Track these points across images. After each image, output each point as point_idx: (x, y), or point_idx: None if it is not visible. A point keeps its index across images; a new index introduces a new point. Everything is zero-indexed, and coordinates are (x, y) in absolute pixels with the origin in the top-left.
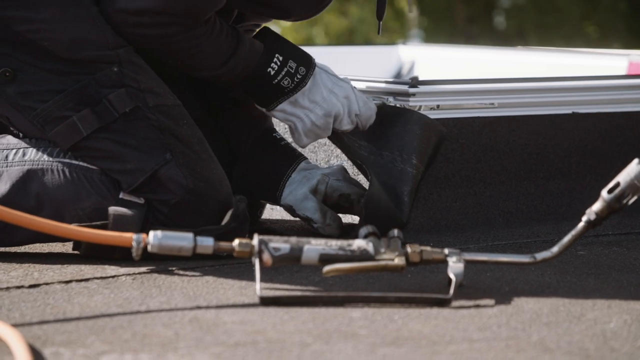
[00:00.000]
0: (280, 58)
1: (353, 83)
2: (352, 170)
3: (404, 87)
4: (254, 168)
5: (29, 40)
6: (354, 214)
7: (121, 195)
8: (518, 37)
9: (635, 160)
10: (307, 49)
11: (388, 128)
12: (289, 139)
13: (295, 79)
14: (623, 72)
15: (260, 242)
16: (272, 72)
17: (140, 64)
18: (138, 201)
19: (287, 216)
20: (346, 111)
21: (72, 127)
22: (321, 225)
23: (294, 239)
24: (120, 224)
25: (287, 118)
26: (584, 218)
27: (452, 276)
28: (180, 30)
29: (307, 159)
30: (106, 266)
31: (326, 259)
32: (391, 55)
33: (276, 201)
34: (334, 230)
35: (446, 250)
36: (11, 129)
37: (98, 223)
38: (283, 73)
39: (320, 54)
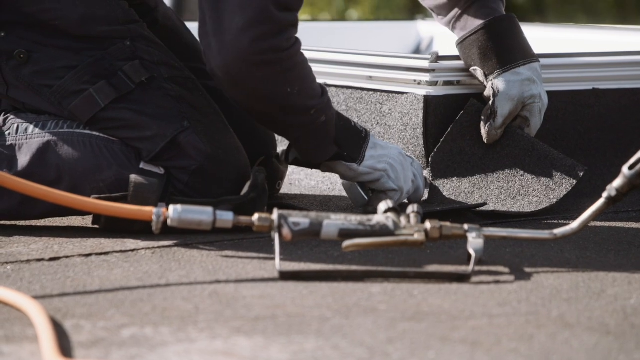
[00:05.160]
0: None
1: (373, 58)
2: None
3: (425, 63)
4: None
5: (40, 21)
6: None
7: (142, 165)
8: (536, 12)
9: None
10: (321, 24)
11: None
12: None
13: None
14: None
15: (280, 216)
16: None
17: (153, 38)
18: (158, 171)
19: (305, 191)
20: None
21: (90, 99)
22: (500, 121)
23: (313, 214)
24: (140, 192)
25: (379, 161)
26: (605, 194)
27: (471, 252)
28: (284, 38)
29: None
30: (126, 240)
31: (346, 234)
32: (410, 31)
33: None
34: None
35: (466, 226)
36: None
37: (117, 195)
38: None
39: (338, 29)
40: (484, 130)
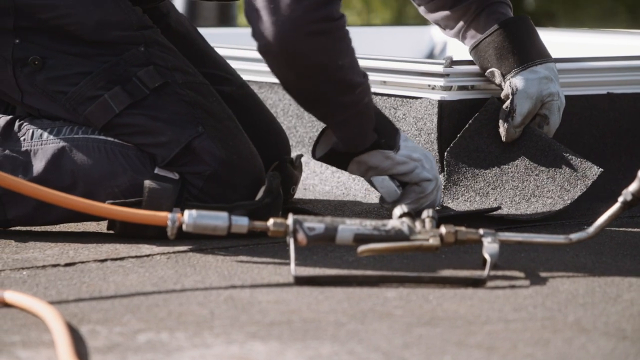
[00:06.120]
0: None
1: (387, 63)
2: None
3: (439, 68)
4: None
5: (55, 27)
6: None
7: (156, 171)
8: (547, 18)
9: None
10: None
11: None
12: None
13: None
14: None
15: (295, 221)
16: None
17: (167, 44)
18: (173, 177)
19: (320, 196)
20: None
21: (104, 105)
22: (519, 120)
23: (328, 219)
24: (155, 198)
25: (414, 151)
26: (620, 199)
27: (487, 256)
28: (334, 9)
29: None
30: (141, 245)
31: (361, 238)
32: (423, 36)
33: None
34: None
35: (481, 231)
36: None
37: (132, 200)
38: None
39: (351, 34)
40: (502, 129)
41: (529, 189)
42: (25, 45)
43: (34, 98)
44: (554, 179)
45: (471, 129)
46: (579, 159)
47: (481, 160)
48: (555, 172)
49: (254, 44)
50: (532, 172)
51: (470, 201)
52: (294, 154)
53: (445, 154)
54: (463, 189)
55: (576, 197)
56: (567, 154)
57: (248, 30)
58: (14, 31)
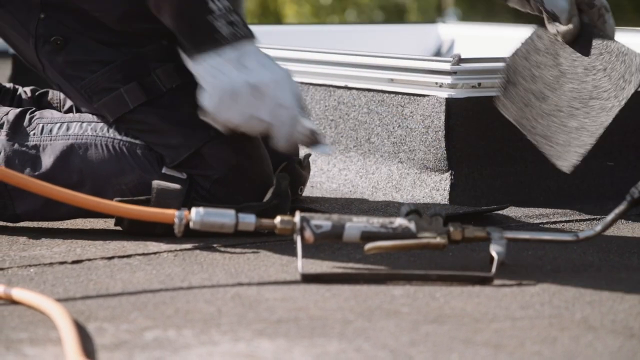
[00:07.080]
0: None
1: (395, 61)
2: None
3: (446, 65)
4: None
5: (82, 10)
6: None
7: (164, 170)
8: None
9: None
10: (342, 27)
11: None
12: None
13: (236, 31)
14: None
15: (302, 219)
16: (213, 7)
17: None
18: (180, 176)
19: (327, 194)
20: (275, 93)
21: (119, 99)
22: (564, 18)
23: (335, 217)
24: (163, 198)
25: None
26: (628, 197)
27: (494, 254)
28: None
29: None
30: (148, 243)
31: (368, 236)
32: (430, 34)
33: None
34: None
35: (488, 229)
36: (55, 105)
37: (142, 198)
38: (224, 18)
39: (359, 32)
40: (557, 34)
41: (587, 91)
42: (49, 23)
43: (55, 76)
44: (610, 77)
45: (523, 50)
46: (634, 54)
47: (539, 66)
48: (611, 71)
49: (262, 42)
50: (590, 72)
51: (528, 105)
52: (301, 154)
53: (506, 60)
54: (522, 91)
55: (630, 94)
56: (623, 51)
57: (257, 28)
58: (40, 6)
